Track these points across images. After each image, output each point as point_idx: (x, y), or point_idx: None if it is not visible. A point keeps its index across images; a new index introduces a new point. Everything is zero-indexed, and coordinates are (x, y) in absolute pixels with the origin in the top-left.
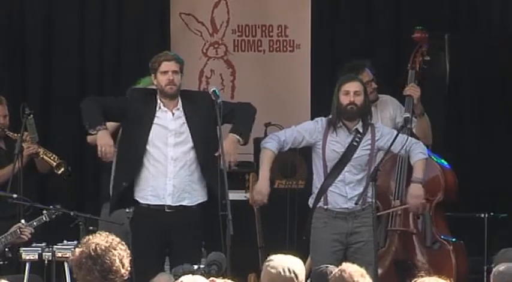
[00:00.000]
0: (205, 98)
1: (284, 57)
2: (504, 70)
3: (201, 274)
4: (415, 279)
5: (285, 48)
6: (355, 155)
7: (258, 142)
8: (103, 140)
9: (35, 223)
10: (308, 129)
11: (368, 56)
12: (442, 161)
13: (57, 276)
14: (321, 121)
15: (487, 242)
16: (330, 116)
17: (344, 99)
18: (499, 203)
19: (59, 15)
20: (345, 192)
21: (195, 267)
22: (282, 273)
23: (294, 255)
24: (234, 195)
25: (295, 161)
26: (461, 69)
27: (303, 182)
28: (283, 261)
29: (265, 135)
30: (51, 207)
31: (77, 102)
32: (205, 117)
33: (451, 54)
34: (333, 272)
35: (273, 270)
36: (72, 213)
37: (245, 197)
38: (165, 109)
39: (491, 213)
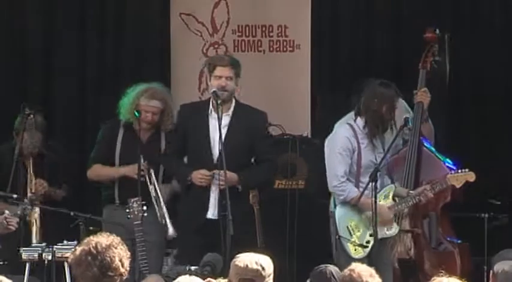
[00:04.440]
0: (260, 117)
1: (284, 57)
2: (505, 70)
3: (195, 275)
4: (434, 277)
5: (285, 48)
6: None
7: None
8: (194, 177)
9: (18, 212)
10: (349, 150)
11: (368, 56)
12: (447, 160)
13: (57, 276)
14: (350, 129)
15: (487, 242)
16: (361, 121)
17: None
18: (499, 203)
19: (59, 15)
20: None
21: (188, 268)
22: (249, 265)
23: (294, 255)
24: None
25: (295, 161)
26: (462, 69)
27: (303, 183)
28: (250, 256)
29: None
30: (30, 195)
31: (77, 102)
32: (250, 136)
33: (451, 54)
34: (343, 272)
35: (240, 264)
36: (72, 213)
37: None
38: (215, 116)
39: (491, 213)
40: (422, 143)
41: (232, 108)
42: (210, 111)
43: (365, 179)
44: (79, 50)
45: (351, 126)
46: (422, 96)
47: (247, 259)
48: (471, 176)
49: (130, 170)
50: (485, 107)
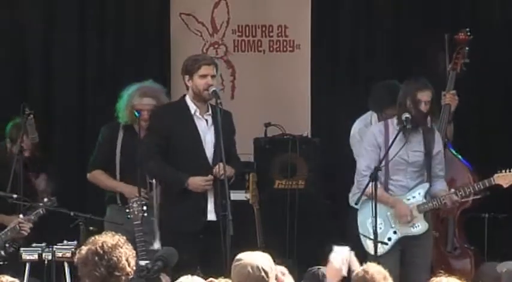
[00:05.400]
0: (227, 117)
1: (284, 57)
2: (504, 70)
3: (145, 269)
4: (434, 277)
5: (285, 48)
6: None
7: (258, 142)
8: (194, 184)
9: (32, 217)
10: (374, 146)
11: (367, 56)
12: (459, 156)
13: (57, 276)
14: (381, 125)
15: (487, 242)
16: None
17: (420, 108)
18: (499, 203)
19: (58, 16)
20: None
21: (141, 263)
22: (252, 272)
23: (294, 255)
24: (234, 196)
25: (295, 161)
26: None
27: (303, 182)
28: (252, 261)
29: (265, 135)
30: (46, 200)
31: (77, 102)
32: (225, 134)
33: (451, 54)
34: (356, 272)
35: (242, 270)
36: (72, 213)
37: (245, 197)
38: (200, 116)
39: (491, 213)
40: (446, 145)
41: (209, 108)
42: (194, 111)
43: (396, 176)
44: (79, 50)
45: (385, 122)
46: (451, 98)
47: (249, 265)
48: None
49: (128, 191)
50: (484, 106)
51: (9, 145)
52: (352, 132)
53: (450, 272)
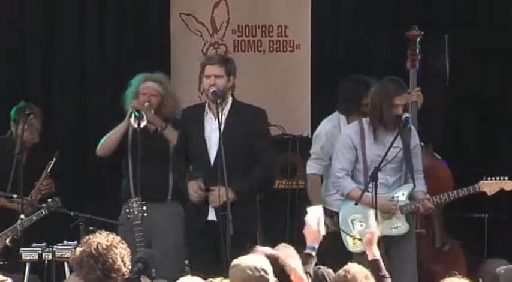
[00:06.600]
0: (258, 115)
1: (284, 57)
2: (504, 69)
3: None
4: (447, 278)
5: (285, 48)
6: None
7: None
8: (189, 190)
9: (34, 217)
10: (349, 147)
11: (367, 56)
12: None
13: (57, 276)
14: (356, 125)
15: (487, 242)
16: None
17: (395, 112)
18: (499, 203)
19: (59, 15)
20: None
21: None
22: (252, 274)
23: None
24: None
25: (295, 161)
26: (461, 69)
27: (303, 182)
28: (248, 262)
29: None
30: (49, 201)
31: (77, 102)
32: (245, 134)
33: (451, 54)
34: (337, 272)
35: (242, 274)
36: (72, 214)
37: None
38: (211, 116)
39: (491, 213)
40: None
41: (228, 107)
42: (206, 112)
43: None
44: (79, 50)
45: (360, 122)
46: (417, 96)
47: (247, 267)
48: (508, 185)
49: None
50: (484, 106)
51: (13, 129)
52: (318, 130)
53: (445, 267)
